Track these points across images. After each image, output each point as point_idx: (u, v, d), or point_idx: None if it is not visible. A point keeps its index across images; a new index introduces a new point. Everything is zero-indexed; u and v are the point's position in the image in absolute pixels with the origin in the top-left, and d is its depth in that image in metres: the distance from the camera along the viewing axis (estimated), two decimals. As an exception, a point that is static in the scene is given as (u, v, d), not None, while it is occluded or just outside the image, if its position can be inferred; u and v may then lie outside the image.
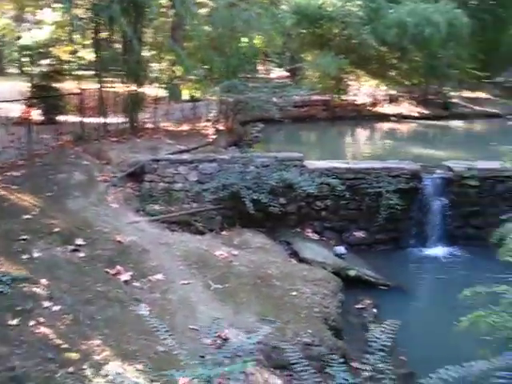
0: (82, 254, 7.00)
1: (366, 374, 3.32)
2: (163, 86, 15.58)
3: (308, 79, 24.75)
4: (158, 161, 10.70)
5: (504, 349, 4.69)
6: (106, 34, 13.06)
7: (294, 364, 3.18)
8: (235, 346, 3.25)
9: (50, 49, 18.82)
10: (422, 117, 26.72)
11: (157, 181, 10.51)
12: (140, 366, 5.01)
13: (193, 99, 17.75)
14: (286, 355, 3.33)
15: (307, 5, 23.62)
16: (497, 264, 8.32)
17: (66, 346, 5.03)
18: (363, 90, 27.83)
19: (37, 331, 5.13)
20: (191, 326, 6.00)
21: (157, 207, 10.00)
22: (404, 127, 24.77)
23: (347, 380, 3.07)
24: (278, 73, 35.04)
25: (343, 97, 27.01)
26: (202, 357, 3.40)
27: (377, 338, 3.45)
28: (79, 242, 7.28)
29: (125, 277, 6.83)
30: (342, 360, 3.28)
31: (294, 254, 9.37)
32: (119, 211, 9.11)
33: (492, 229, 9.41)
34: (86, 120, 13.03)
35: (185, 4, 12.42)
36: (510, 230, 5.88)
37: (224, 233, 9.79)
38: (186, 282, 7.05)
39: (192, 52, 15.18)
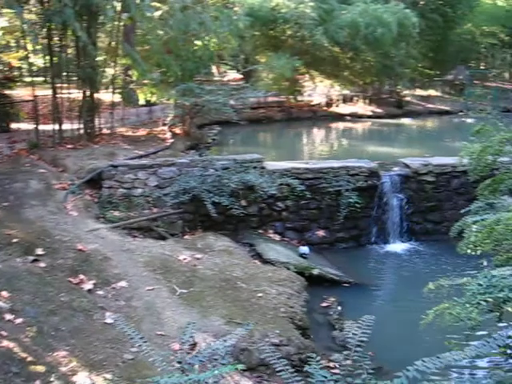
0: (42, 264, 6.85)
1: (343, 370, 3.36)
2: (119, 90, 15.40)
3: (263, 81, 24.83)
4: (116, 167, 10.57)
5: (468, 339, 4.80)
6: (59, 39, 12.78)
7: (273, 365, 3.19)
8: (213, 349, 3.24)
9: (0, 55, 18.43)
10: (376, 115, 27.18)
11: (116, 187, 10.38)
12: (109, 376, 4.96)
13: (149, 103, 17.62)
14: (266, 356, 3.32)
15: (260, 7, 23.69)
16: (456, 257, 8.55)
17: (31, 358, 4.92)
18: (318, 90, 28.14)
19: (0, 345, 5.00)
20: (158, 332, 5.96)
21: (117, 214, 9.88)
22: (359, 126, 25.12)
23: (325, 377, 3.10)
24: (232, 75, 35.13)
25: (299, 98, 27.24)
26: (180, 362, 3.38)
27: (354, 333, 3.49)
28: (39, 251, 7.13)
29: (88, 285, 6.72)
30: (318, 358, 3.30)
31: (258, 256, 9.38)
32: (79, 219, 8.96)
33: (449, 223, 9.68)
34: (41, 127, 12.78)
35: (139, 7, 12.29)
36: (468, 224, 6.02)
37: (186, 237, 9.75)
38: (150, 288, 6.98)
39: (147, 56, 15.04)
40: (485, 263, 5.84)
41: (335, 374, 3.33)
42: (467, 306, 4.40)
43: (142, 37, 16.30)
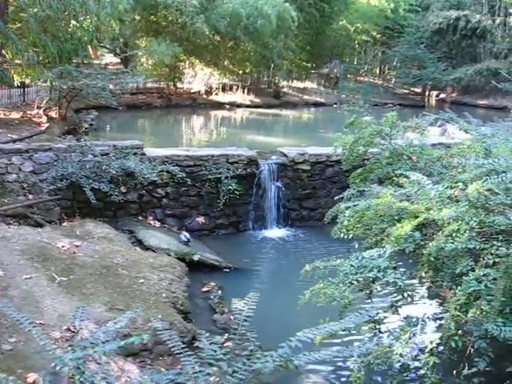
0: None
1: (232, 344, 3.53)
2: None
3: (143, 66, 24.52)
4: (-13, 151, 10.05)
5: (341, 317, 5.15)
6: None
7: (173, 348, 3.28)
8: (104, 331, 3.26)
9: None
10: (255, 105, 27.77)
11: (-13, 172, 9.88)
12: (-14, 367, 4.80)
13: (23, 85, 16.81)
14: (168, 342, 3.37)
15: (142, -10, 23.31)
16: (330, 242, 9.05)
17: None
18: (198, 78, 28.20)
19: None
20: (38, 321, 5.82)
21: (-11, 200, 9.41)
22: (238, 115, 25.54)
23: (215, 351, 3.25)
24: (109, 59, 34.26)
25: (178, 85, 27.17)
26: (71, 345, 3.38)
27: (240, 309, 3.67)
28: None
29: (-41, 276, 6.41)
30: (207, 334, 3.45)
31: (139, 243, 9.36)
32: None
33: (323, 210, 10.21)
34: None
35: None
36: (341, 210, 6.43)
37: (65, 224, 9.50)
38: (28, 276, 6.77)
39: (21, 34, 14.28)
40: (356, 246, 6.27)
41: (225, 347, 3.50)
42: (341, 285, 4.75)
43: (16, 14, 15.41)
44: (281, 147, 12.43)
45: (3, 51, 14.17)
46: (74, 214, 10.04)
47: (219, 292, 8.40)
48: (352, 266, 4.87)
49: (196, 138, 19.48)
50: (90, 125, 18.28)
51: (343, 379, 6.22)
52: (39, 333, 3.30)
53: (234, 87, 29.02)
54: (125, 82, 15.79)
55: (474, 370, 4.48)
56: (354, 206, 6.08)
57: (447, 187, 5.45)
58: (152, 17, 24.72)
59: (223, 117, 24.92)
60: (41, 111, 15.52)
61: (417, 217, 5.08)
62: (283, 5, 25.34)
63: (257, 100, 28.41)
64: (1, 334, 5.35)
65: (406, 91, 40.17)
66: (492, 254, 4.55)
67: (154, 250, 9.02)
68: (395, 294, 5.48)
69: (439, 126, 16.20)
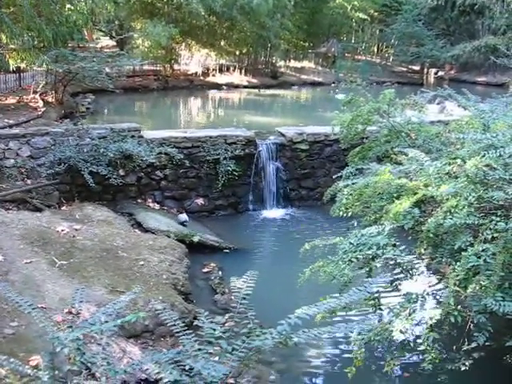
0: None
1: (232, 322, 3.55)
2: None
3: (139, 48, 24.34)
4: (-16, 136, 10.01)
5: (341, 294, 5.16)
6: None
7: (172, 327, 3.29)
8: (103, 312, 3.27)
9: None
10: (252, 86, 27.62)
11: (-15, 158, 9.86)
12: (-12, 350, 4.82)
13: (18, 70, 16.70)
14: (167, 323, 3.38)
15: (134, -29, 23.10)
16: (329, 221, 9.09)
17: None
18: (195, 59, 28.00)
19: None
20: (39, 305, 5.84)
21: (-13, 186, 9.40)
22: (235, 96, 25.42)
23: (214, 330, 3.26)
24: (105, 42, 34.02)
25: (175, 66, 26.99)
26: (70, 327, 3.39)
27: (239, 288, 3.68)
28: None
29: (-41, 261, 6.42)
30: (207, 313, 3.46)
31: (138, 225, 9.37)
32: None
33: (322, 189, 10.22)
34: None
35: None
36: (340, 188, 6.43)
37: (64, 208, 9.51)
38: (28, 261, 6.79)
39: (16, 18, 14.13)
40: (355, 224, 6.27)
41: (225, 327, 3.52)
42: (340, 263, 4.76)
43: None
44: (279, 127, 12.38)
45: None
46: (73, 197, 10.03)
47: (219, 273, 8.42)
48: (351, 243, 4.88)
49: (193, 120, 19.41)
50: (87, 108, 18.21)
51: (344, 356, 6.26)
52: (39, 315, 3.30)
53: (231, 68, 28.84)
54: (121, 64, 15.66)
55: (473, 344, 4.50)
56: (353, 184, 6.07)
57: (445, 163, 5.44)
58: (147, -2, 24.52)
59: (221, 98, 24.81)
60: (37, 96, 15.44)
61: (415, 193, 5.07)
62: (279, -17, 25.16)
63: (254, 80, 28.27)
64: (2, 318, 5.37)
65: (404, 69, 39.91)
66: (491, 229, 4.55)
67: (153, 232, 9.04)
68: (395, 271, 5.49)
69: (438, 104, 16.13)
